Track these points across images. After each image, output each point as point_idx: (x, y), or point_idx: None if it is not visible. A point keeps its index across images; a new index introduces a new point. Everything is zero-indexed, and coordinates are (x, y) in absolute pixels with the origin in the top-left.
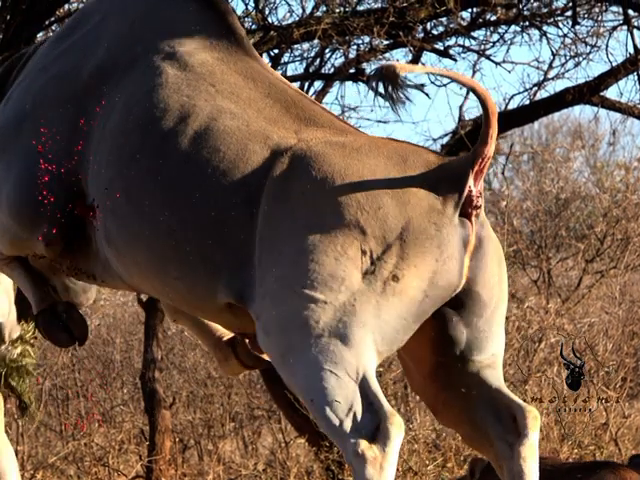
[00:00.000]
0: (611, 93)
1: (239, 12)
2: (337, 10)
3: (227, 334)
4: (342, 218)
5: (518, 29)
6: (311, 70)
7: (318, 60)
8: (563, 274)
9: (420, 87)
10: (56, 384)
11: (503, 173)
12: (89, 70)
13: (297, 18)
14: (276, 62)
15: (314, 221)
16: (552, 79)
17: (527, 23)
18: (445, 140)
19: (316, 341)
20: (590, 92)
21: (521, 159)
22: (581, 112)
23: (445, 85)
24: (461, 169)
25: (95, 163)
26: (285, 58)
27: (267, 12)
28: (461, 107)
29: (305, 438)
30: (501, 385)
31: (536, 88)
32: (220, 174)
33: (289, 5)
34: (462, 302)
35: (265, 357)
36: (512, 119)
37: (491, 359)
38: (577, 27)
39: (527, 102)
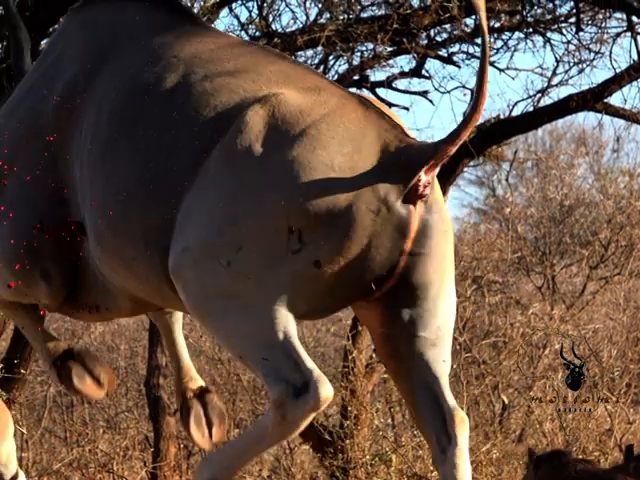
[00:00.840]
0: (615, 100)
1: (243, 19)
2: (341, 17)
3: (185, 393)
4: (281, 192)
5: (522, 36)
6: None
7: (322, 67)
8: (567, 280)
9: (424, 94)
10: (60, 391)
11: (507, 180)
12: (56, 98)
13: (301, 25)
14: None
15: (253, 188)
16: (556, 86)
17: (531, 30)
18: None
19: (239, 311)
20: (594, 99)
21: (525, 166)
22: (585, 119)
23: (449, 92)
24: (417, 160)
25: (77, 165)
26: None
27: (271, 19)
28: (465, 114)
29: (310, 444)
30: (441, 372)
31: (540, 95)
32: (176, 131)
33: (293, 12)
34: (406, 284)
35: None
36: (516, 126)
37: (437, 334)
38: (581, 34)
39: (531, 109)
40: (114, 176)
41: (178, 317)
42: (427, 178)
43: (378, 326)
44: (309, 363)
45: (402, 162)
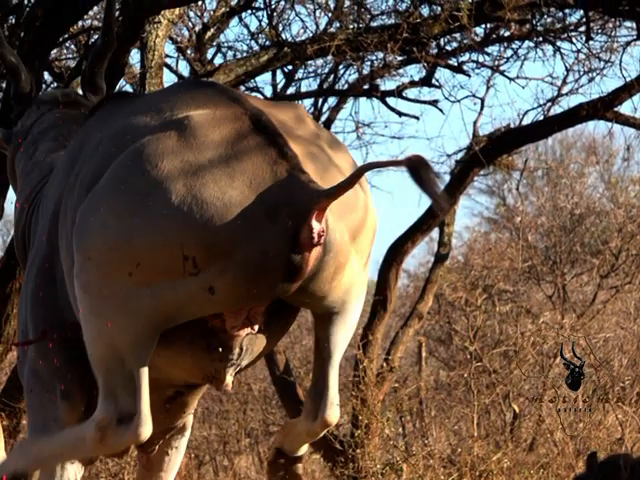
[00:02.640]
0: (625, 108)
1: (253, 28)
2: (351, 26)
3: None
4: (173, 221)
5: (532, 44)
6: (325, 86)
7: (332, 76)
8: (578, 289)
9: (434, 103)
10: None
11: (517, 189)
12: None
13: (311, 34)
14: (290, 78)
15: (145, 211)
16: (566, 94)
17: (541, 38)
18: (459, 156)
19: (117, 316)
20: (604, 107)
21: (535, 175)
22: (595, 127)
23: (459, 101)
24: (303, 208)
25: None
26: (299, 74)
27: (281, 28)
28: (475, 123)
29: (320, 454)
30: (334, 348)
31: (550, 103)
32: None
33: (303, 21)
34: (293, 298)
35: None
36: (526, 135)
37: (336, 309)
38: (591, 42)
39: (541, 117)
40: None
41: None
42: (321, 226)
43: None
44: (144, 400)
45: (289, 204)
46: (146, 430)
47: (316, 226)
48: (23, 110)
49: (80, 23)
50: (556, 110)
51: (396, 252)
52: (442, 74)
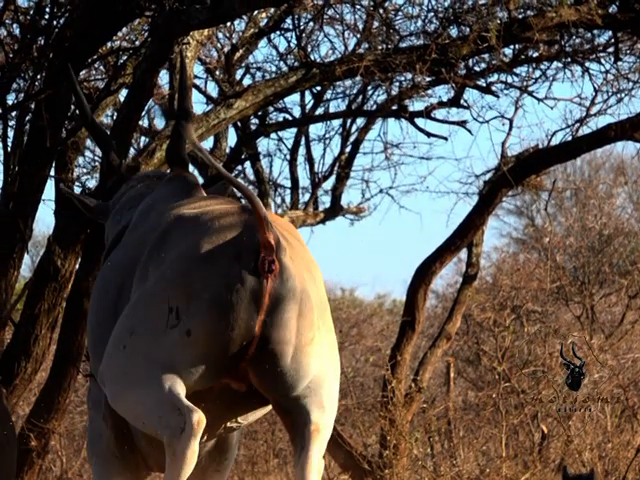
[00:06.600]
0: None
1: (281, 49)
2: (379, 47)
3: None
4: (166, 280)
5: (560, 65)
6: (353, 107)
7: (360, 97)
8: (606, 310)
9: (463, 124)
10: None
11: (546, 209)
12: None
13: (339, 55)
14: (318, 99)
15: (145, 283)
16: (594, 115)
17: (569, 59)
18: (488, 176)
19: (134, 385)
20: (633, 128)
21: (564, 195)
22: (624, 148)
23: (488, 122)
24: (254, 243)
25: None
26: (327, 95)
27: (309, 49)
28: (503, 143)
29: (349, 474)
30: (311, 417)
31: (578, 124)
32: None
33: (331, 42)
34: (262, 354)
35: None
36: (554, 155)
37: (305, 391)
38: (619, 63)
39: (569, 138)
40: None
41: None
42: (271, 257)
43: (262, 390)
44: (186, 406)
45: (249, 245)
46: (196, 417)
47: (268, 256)
48: (115, 182)
49: (109, 44)
50: (584, 131)
51: (424, 273)
52: (470, 95)
